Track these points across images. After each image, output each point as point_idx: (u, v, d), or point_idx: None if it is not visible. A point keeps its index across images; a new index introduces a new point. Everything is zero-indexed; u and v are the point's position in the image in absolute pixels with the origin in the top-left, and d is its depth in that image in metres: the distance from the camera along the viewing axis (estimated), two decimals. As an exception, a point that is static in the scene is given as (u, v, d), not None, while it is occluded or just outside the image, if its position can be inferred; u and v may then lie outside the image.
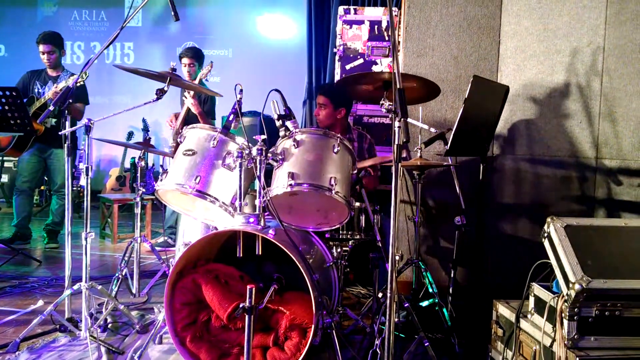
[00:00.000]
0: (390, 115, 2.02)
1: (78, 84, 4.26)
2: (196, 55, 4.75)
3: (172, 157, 4.36)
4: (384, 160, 3.14)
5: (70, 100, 2.61)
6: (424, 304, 2.97)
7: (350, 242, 2.91)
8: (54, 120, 4.56)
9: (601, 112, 3.36)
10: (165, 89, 2.65)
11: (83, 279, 2.66)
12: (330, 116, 3.52)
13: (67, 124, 2.67)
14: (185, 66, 4.69)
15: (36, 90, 4.61)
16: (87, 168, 2.66)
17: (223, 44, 8.20)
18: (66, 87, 2.61)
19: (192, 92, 4.35)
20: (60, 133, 2.66)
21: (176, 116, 4.60)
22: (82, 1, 8.34)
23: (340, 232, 2.90)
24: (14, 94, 3.93)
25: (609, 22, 3.33)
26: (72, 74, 4.49)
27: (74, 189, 6.82)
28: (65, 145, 2.64)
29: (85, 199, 2.69)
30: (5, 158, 7.14)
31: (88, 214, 2.71)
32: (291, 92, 2.68)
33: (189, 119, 4.44)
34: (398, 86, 1.94)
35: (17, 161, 7.00)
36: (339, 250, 2.85)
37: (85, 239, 2.67)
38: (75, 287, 2.67)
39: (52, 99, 4.42)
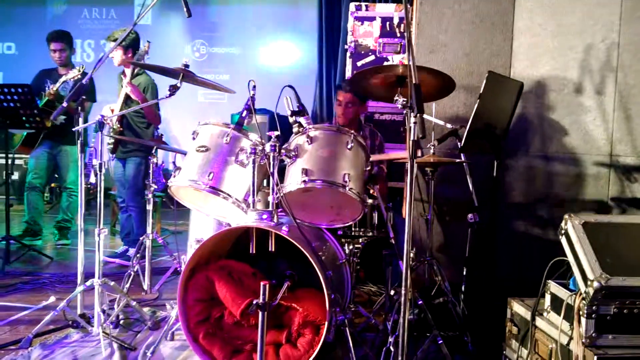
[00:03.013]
0: (405, 112, 2.01)
1: (76, 78, 4.31)
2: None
3: (112, 154, 4.26)
4: (397, 156, 3.14)
5: (84, 97, 2.61)
6: (436, 301, 2.95)
7: (361, 239, 2.89)
8: (63, 117, 4.56)
9: (616, 108, 3.32)
10: (178, 85, 2.65)
11: (95, 275, 2.66)
12: (357, 113, 3.57)
13: (80, 120, 2.68)
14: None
15: (47, 88, 4.62)
16: (100, 165, 2.66)
17: (231, 41, 8.19)
18: (80, 84, 2.61)
19: (128, 77, 4.01)
20: (73, 129, 2.66)
21: (113, 110, 4.06)
22: (92, -1, 8.37)
23: (353, 229, 2.89)
24: (25, 90, 3.97)
25: (623, 18, 3.30)
26: (74, 67, 4.48)
27: (85, 186, 6.82)
28: (79, 142, 2.64)
29: (97, 195, 2.68)
30: (15, 155, 7.17)
31: (101, 211, 2.71)
32: (300, 89, 2.67)
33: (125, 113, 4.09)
34: (414, 81, 1.93)
35: (27, 158, 7.07)
36: (351, 247, 2.83)
37: (98, 235, 2.67)
38: (88, 283, 2.67)
39: (50, 98, 4.44)
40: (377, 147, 3.66)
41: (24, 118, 4.05)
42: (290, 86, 2.54)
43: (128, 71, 4.08)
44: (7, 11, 8.41)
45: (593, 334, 1.95)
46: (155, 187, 3.51)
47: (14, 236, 4.28)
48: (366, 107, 3.68)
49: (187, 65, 2.65)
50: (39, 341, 2.65)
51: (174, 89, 2.62)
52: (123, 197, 4.44)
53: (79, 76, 4.28)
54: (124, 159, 4.34)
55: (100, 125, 2.64)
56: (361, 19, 4.40)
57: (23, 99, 3.96)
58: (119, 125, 4.09)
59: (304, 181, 2.34)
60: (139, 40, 4.24)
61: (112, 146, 4.17)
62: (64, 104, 2.68)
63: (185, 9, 2.71)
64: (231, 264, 2.49)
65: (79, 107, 2.68)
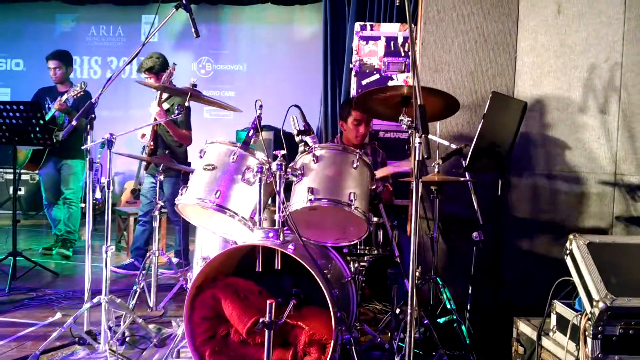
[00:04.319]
0: (409, 131, 2.04)
1: (78, 95, 4.43)
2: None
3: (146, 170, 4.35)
4: (396, 170, 3.18)
5: (93, 115, 2.66)
6: (442, 320, 2.95)
7: (367, 257, 2.90)
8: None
9: (619, 127, 3.34)
10: (186, 104, 2.69)
11: (103, 292, 2.67)
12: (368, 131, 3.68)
13: (89, 138, 2.71)
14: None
15: (47, 106, 4.74)
16: (108, 182, 2.69)
17: (237, 58, 8.28)
18: (89, 103, 2.66)
19: (157, 99, 4.00)
20: (82, 148, 2.70)
21: (144, 135, 4.19)
22: (100, 17, 8.48)
23: (358, 247, 2.90)
24: (34, 107, 4.03)
25: (626, 38, 3.33)
26: (74, 85, 4.61)
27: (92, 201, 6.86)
28: (88, 159, 2.68)
29: (105, 212, 2.71)
30: (22, 171, 7.23)
31: (109, 228, 2.73)
32: (305, 106, 2.72)
33: (159, 132, 4.23)
34: (419, 102, 1.96)
35: (34, 174, 7.14)
36: (356, 265, 2.84)
37: (106, 252, 2.69)
38: (95, 300, 2.68)
39: (58, 111, 4.58)
40: (380, 163, 3.69)
41: (32, 135, 4.11)
42: (296, 106, 2.58)
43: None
44: (15, 28, 8.53)
45: (599, 355, 1.96)
46: (162, 204, 3.53)
47: (21, 252, 4.29)
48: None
49: (195, 85, 2.69)
50: (46, 358, 2.65)
51: (182, 109, 2.66)
52: (144, 211, 4.50)
53: (82, 93, 4.42)
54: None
55: (109, 143, 2.68)
56: (366, 39, 4.45)
57: (31, 116, 4.02)
58: (151, 144, 4.15)
59: (310, 200, 2.37)
60: (167, 62, 4.31)
61: (145, 163, 4.32)
62: (74, 122, 2.73)
63: (193, 30, 2.77)
64: (237, 281, 2.50)
65: (88, 126, 2.73)
